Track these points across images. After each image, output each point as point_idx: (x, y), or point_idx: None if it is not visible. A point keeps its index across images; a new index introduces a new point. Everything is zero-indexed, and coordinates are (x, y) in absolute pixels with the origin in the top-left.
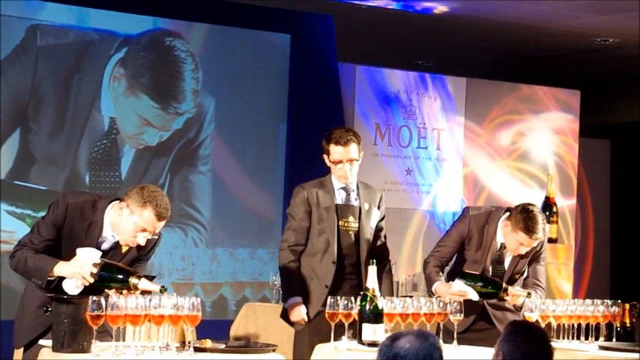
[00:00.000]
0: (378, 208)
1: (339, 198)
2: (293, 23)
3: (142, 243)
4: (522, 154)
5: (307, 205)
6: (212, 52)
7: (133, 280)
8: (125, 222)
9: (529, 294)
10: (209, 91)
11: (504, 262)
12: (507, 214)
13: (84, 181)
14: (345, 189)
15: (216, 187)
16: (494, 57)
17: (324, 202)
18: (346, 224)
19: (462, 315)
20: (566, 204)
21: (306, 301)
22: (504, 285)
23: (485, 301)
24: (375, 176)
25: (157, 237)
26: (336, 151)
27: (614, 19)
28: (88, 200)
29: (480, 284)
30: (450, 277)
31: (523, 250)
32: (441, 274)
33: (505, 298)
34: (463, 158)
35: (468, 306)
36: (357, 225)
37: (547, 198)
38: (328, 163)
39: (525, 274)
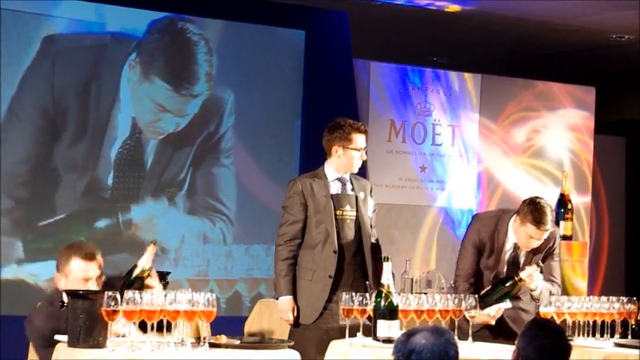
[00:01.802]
0: (371, 197)
1: (335, 188)
2: (307, 19)
3: (98, 287)
4: (537, 150)
5: (302, 197)
6: (227, 48)
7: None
8: (71, 284)
9: (538, 265)
10: (227, 85)
11: (519, 262)
12: (516, 215)
13: (106, 184)
14: (340, 180)
15: (231, 183)
16: (509, 54)
17: (320, 193)
18: (343, 213)
19: (478, 311)
20: (581, 201)
21: (311, 294)
22: (515, 276)
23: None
24: (390, 173)
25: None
26: (360, 139)
27: (630, 15)
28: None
29: (498, 293)
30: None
31: (535, 244)
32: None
33: (524, 283)
34: (478, 155)
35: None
36: (354, 213)
37: (562, 195)
38: (341, 154)
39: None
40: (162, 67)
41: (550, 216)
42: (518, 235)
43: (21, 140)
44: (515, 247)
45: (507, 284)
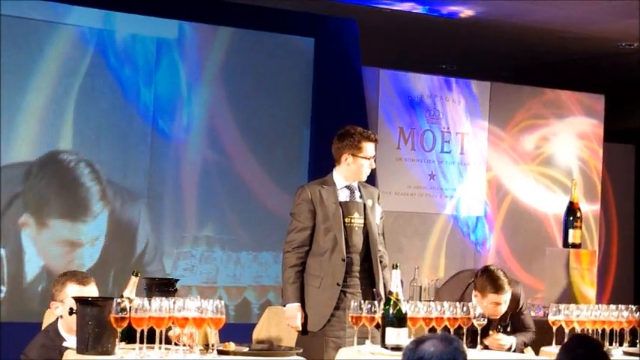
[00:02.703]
0: (378, 204)
1: (343, 195)
2: (317, 27)
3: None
4: (546, 158)
5: (311, 204)
6: (236, 55)
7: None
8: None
9: (497, 328)
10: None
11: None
12: (474, 290)
13: None
14: (349, 187)
15: (240, 190)
16: (518, 61)
17: (329, 200)
18: (352, 221)
19: (486, 320)
20: (590, 209)
21: (319, 301)
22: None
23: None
24: (399, 180)
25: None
26: (370, 147)
27: (639, 23)
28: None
29: None
30: None
31: (502, 309)
32: None
33: (492, 348)
34: (487, 162)
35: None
36: (362, 221)
37: (571, 203)
38: (350, 162)
39: (510, 327)
40: (53, 207)
41: (504, 278)
42: (485, 308)
43: None
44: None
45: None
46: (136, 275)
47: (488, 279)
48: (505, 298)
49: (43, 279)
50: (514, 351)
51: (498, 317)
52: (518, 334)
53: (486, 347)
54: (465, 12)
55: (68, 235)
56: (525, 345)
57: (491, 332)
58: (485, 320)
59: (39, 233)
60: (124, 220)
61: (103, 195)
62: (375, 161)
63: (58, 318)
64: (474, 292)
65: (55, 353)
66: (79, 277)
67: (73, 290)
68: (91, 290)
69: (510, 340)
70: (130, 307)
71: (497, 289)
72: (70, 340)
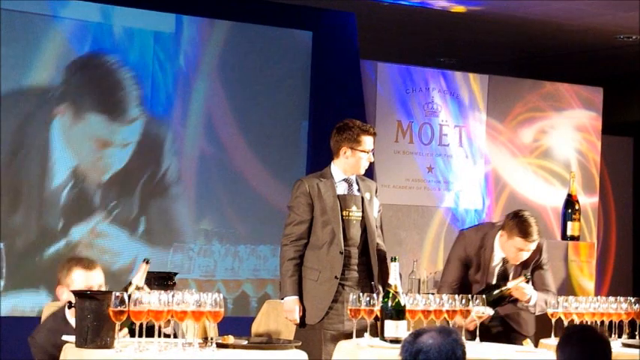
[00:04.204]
0: (376, 197)
1: (341, 189)
2: (315, 20)
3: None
4: (544, 151)
5: (309, 197)
6: (234, 49)
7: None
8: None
9: (526, 277)
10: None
11: (509, 275)
12: (501, 230)
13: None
14: (347, 180)
15: (238, 184)
16: (517, 54)
17: (327, 193)
18: (349, 214)
19: (485, 312)
20: (588, 201)
21: (317, 294)
22: (502, 286)
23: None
24: (397, 173)
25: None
26: (368, 141)
27: (638, 16)
28: None
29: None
30: None
31: (524, 256)
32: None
33: (512, 294)
34: (485, 156)
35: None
36: (360, 214)
37: (569, 195)
38: (349, 155)
39: (530, 283)
40: (91, 102)
41: (535, 227)
42: (507, 250)
43: None
44: (504, 262)
45: (494, 292)
46: (147, 263)
47: (520, 222)
48: (531, 247)
49: (70, 182)
50: (534, 306)
51: (516, 264)
52: (540, 291)
53: (503, 294)
54: (461, 6)
55: (101, 133)
56: (547, 303)
57: (515, 280)
58: (485, 313)
59: (71, 127)
60: (153, 132)
61: (140, 101)
62: (373, 154)
63: (65, 304)
64: (500, 232)
65: (61, 338)
66: (85, 263)
67: (78, 275)
68: (96, 275)
69: (532, 293)
70: (130, 297)
71: (526, 235)
72: None
